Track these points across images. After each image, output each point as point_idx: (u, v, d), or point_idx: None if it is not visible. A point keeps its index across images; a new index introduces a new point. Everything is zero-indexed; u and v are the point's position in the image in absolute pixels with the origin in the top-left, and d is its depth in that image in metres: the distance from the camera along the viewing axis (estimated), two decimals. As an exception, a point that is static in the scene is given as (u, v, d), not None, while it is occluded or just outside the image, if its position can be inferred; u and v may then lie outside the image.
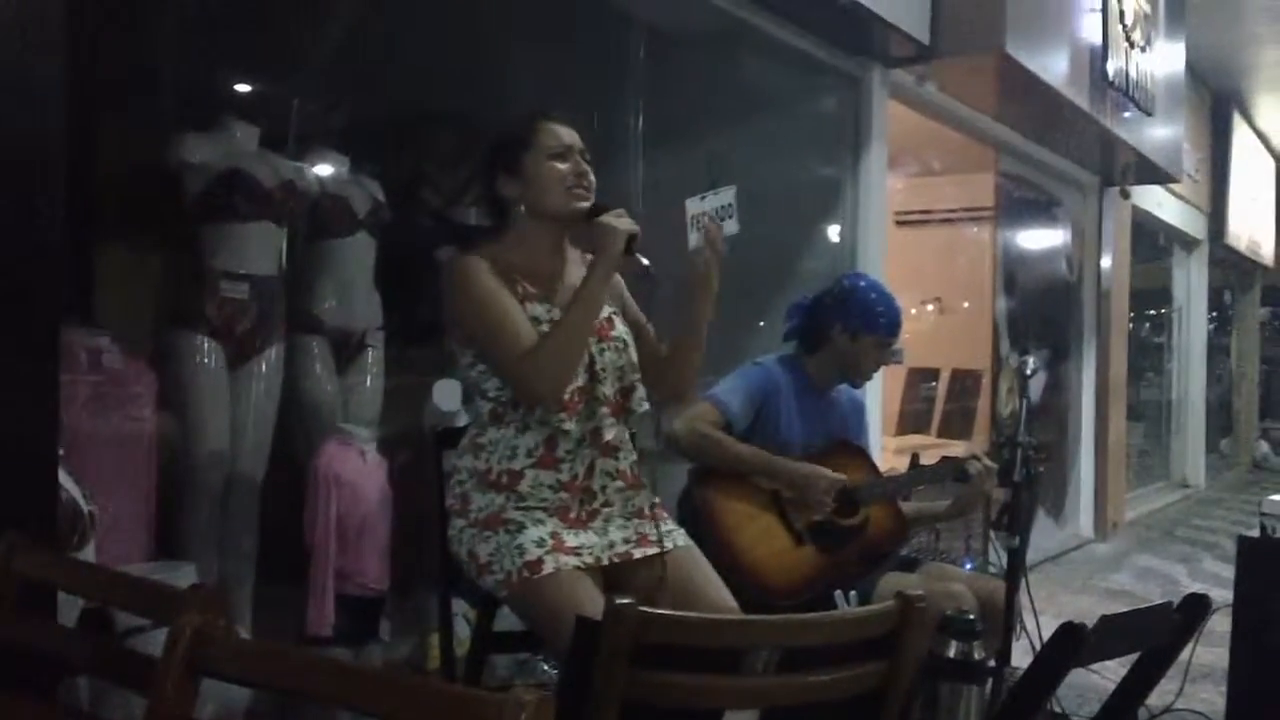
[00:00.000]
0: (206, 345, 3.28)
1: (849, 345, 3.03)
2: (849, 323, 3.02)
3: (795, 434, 3.02)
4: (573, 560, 2.14)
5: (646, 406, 2.34)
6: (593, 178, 2.27)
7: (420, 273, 4.31)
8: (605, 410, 2.25)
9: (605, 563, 2.20)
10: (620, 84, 4.34)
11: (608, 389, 2.26)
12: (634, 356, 2.32)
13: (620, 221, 2.20)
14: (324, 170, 3.71)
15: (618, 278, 2.35)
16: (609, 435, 2.25)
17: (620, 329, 2.31)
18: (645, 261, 2.22)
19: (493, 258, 2.23)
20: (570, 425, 2.20)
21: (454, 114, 4.81)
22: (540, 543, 2.14)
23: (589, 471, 2.24)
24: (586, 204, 2.25)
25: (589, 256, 2.27)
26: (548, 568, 2.11)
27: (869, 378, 3.15)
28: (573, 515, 2.22)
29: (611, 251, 2.19)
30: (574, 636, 1.63)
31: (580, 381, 2.22)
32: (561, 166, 2.24)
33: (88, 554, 2.44)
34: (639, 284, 2.35)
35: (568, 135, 2.27)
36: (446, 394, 3.67)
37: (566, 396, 2.19)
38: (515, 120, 2.30)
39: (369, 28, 4.14)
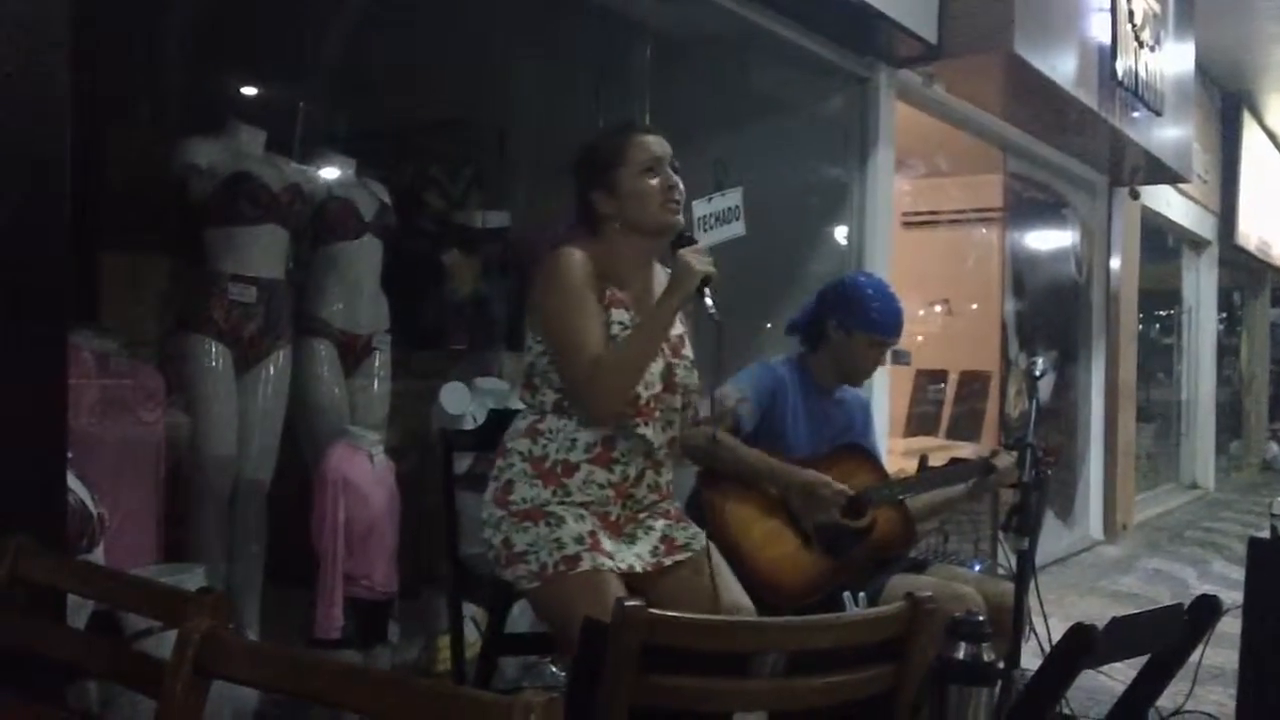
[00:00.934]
0: (214, 348, 3.28)
1: (843, 341, 3.02)
2: (843, 318, 3.01)
3: (801, 435, 3.01)
4: (608, 563, 2.17)
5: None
6: (682, 188, 2.30)
7: (426, 276, 4.32)
8: (679, 423, 2.33)
9: (639, 569, 2.22)
10: (626, 87, 4.34)
11: (678, 401, 2.32)
12: (696, 379, 2.38)
13: (699, 260, 2.22)
14: (330, 173, 3.72)
15: None
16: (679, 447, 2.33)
17: (689, 350, 2.36)
18: (713, 309, 2.23)
19: (592, 257, 2.26)
20: (645, 430, 2.25)
21: (459, 118, 4.82)
22: (579, 539, 2.17)
23: (638, 479, 2.28)
24: (678, 218, 2.28)
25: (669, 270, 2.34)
26: (585, 565, 2.14)
27: (865, 376, 3.13)
28: (612, 519, 2.26)
29: (686, 289, 2.21)
30: (582, 638, 1.63)
31: (656, 389, 2.27)
32: (653, 181, 2.27)
33: (96, 557, 2.45)
34: (705, 326, 2.34)
35: (658, 147, 2.30)
36: (453, 397, 3.67)
37: (644, 404, 2.25)
38: (607, 135, 2.34)
39: (374, 31, 4.14)
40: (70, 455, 2.31)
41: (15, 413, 2.07)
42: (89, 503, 2.43)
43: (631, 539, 2.27)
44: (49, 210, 2.12)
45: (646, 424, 2.26)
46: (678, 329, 2.35)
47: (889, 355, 3.23)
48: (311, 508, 3.36)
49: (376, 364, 3.77)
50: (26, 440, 2.10)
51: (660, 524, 2.31)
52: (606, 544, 2.21)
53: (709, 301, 2.23)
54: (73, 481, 2.34)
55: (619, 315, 2.26)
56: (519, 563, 2.20)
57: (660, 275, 2.40)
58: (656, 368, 2.27)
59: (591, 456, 2.24)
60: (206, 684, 1.48)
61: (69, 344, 2.32)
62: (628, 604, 1.53)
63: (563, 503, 2.22)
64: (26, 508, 2.08)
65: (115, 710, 2.51)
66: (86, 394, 2.88)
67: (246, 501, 3.40)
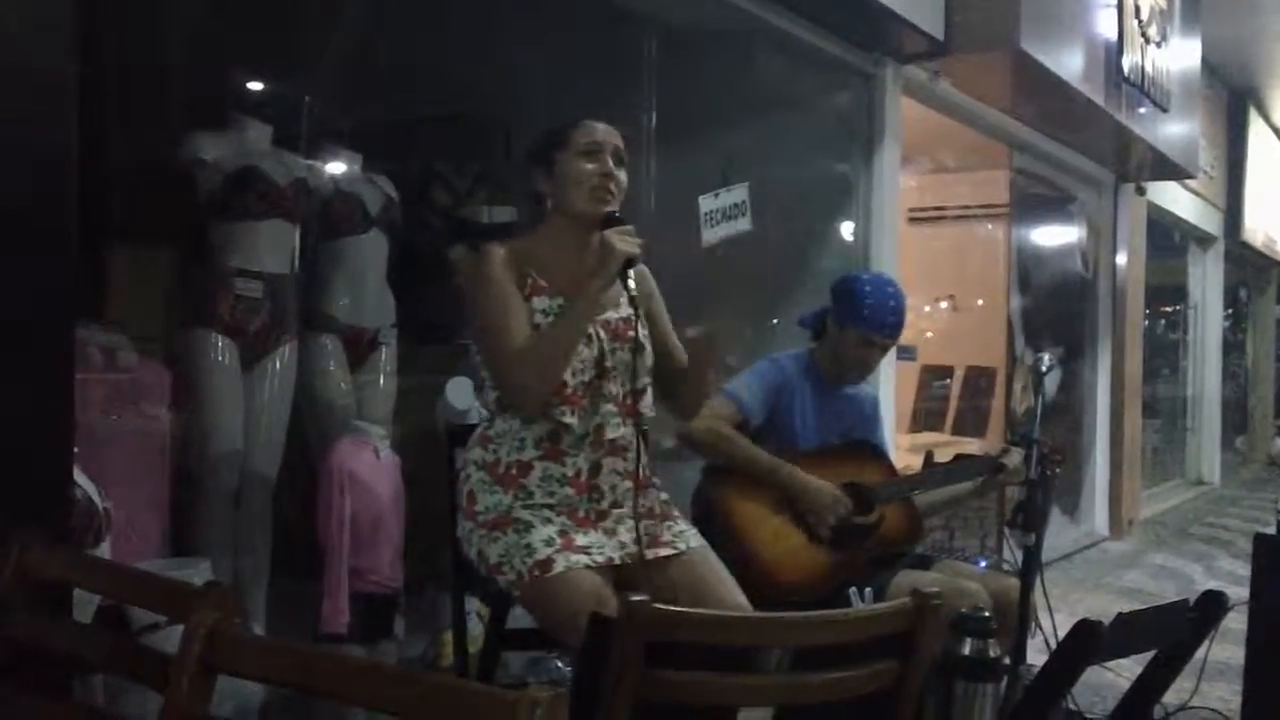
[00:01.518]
0: (220, 343, 3.29)
1: (838, 336, 3.02)
2: (839, 313, 3.02)
3: (810, 430, 3.01)
4: (583, 559, 2.13)
5: (654, 411, 2.35)
6: (622, 180, 2.27)
7: (432, 271, 4.32)
8: (611, 408, 2.25)
9: (617, 562, 2.18)
10: (632, 82, 4.34)
11: (615, 388, 2.26)
12: (648, 361, 2.32)
13: (622, 242, 2.19)
14: (336, 168, 3.72)
15: (652, 282, 2.37)
16: (612, 434, 2.25)
17: (640, 332, 2.29)
18: (633, 290, 2.20)
19: (514, 250, 2.25)
20: (570, 419, 2.21)
21: (466, 114, 4.82)
22: (549, 542, 2.14)
23: (595, 470, 2.24)
24: (606, 207, 2.24)
25: None
26: (559, 567, 2.11)
27: (860, 373, 3.10)
28: (581, 514, 2.22)
29: (608, 270, 2.18)
30: (587, 634, 1.63)
31: (586, 377, 2.22)
32: (589, 166, 2.24)
33: (103, 551, 2.45)
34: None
35: (603, 134, 2.27)
36: (459, 391, 3.67)
37: (570, 391, 2.20)
38: (563, 120, 2.31)
39: (380, 27, 4.14)
40: (76, 450, 2.31)
41: (23, 408, 2.07)
42: (95, 498, 2.44)
43: (612, 532, 2.22)
44: (56, 206, 2.12)
45: (571, 412, 2.20)
46: (624, 311, 2.28)
47: (894, 353, 3.22)
48: (317, 502, 3.36)
49: (382, 359, 3.78)
50: (34, 435, 2.10)
51: (645, 522, 2.25)
52: (580, 540, 2.17)
53: (631, 283, 2.20)
54: (79, 476, 2.35)
55: (540, 303, 2.23)
56: (498, 573, 2.17)
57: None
58: (588, 354, 2.22)
59: (542, 452, 2.21)
60: (213, 678, 1.48)
61: (76, 339, 2.32)
62: (633, 599, 1.53)
63: (526, 506, 2.19)
64: (33, 503, 2.08)
65: (122, 705, 2.52)
66: (93, 389, 2.89)
67: (252, 496, 3.40)
